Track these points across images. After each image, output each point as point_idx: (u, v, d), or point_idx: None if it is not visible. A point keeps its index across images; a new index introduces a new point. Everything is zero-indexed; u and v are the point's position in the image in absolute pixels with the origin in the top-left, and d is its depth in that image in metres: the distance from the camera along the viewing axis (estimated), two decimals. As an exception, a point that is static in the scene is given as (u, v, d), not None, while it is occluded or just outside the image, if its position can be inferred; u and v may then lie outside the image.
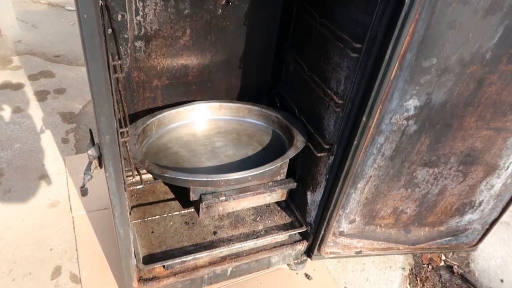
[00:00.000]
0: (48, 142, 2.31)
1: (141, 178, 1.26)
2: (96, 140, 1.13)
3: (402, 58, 1.11)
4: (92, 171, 1.09)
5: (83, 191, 1.04)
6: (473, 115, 1.29)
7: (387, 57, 1.10)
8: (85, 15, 0.79)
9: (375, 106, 1.20)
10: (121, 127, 1.07)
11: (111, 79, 0.92)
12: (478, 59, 1.15)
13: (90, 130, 1.17)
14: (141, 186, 1.20)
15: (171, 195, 1.83)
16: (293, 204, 1.80)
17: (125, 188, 1.17)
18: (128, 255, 1.35)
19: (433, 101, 1.23)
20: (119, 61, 0.94)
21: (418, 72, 1.15)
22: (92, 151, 1.09)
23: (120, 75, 0.94)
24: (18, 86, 2.71)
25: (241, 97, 1.83)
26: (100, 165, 1.11)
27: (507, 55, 1.15)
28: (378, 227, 1.66)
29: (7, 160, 2.15)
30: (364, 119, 1.24)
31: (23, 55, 3.05)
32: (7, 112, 2.47)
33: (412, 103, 1.23)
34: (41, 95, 2.66)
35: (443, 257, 2.02)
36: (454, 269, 1.97)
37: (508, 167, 1.51)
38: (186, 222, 1.70)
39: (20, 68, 2.89)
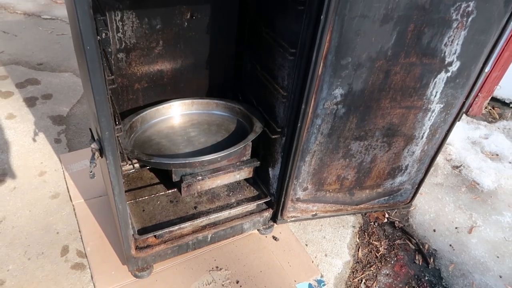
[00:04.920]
0: (43, 143, 2.60)
1: (133, 164, 1.60)
2: (95, 136, 1.47)
3: (325, 58, 1.48)
4: (96, 160, 1.43)
5: (91, 175, 1.37)
6: (386, 98, 1.68)
7: (313, 58, 1.46)
8: (88, 47, 1.12)
9: (309, 96, 1.57)
10: (115, 125, 1.40)
11: (108, 90, 1.25)
12: (383, 55, 1.53)
13: (90, 129, 1.51)
14: (133, 171, 1.52)
15: (157, 180, 2.16)
16: (259, 180, 2.17)
17: (121, 172, 1.51)
18: (126, 227, 1.69)
19: (354, 89, 1.61)
20: (112, 76, 1.27)
21: (339, 69, 1.52)
22: (94, 145, 1.42)
23: (113, 86, 1.27)
24: (8, 95, 2.98)
25: (209, 93, 2.18)
26: (101, 155, 1.45)
27: (404, 52, 1.54)
28: (327, 192, 2.05)
29: (8, 161, 2.44)
30: (303, 106, 1.61)
31: (8, 65, 3.29)
32: (1, 119, 2.74)
33: (338, 92, 1.60)
34: (30, 101, 2.93)
35: (387, 215, 2.44)
36: (395, 224, 2.39)
37: (423, 136, 1.91)
38: (171, 201, 2.05)
39: (7, 78, 3.14)
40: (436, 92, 1.72)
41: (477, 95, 3.29)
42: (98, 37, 1.16)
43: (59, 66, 3.35)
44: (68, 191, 2.29)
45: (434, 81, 1.67)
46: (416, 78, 1.64)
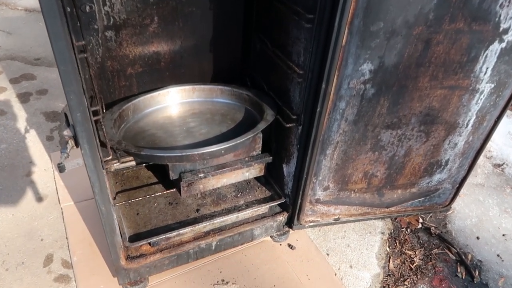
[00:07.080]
0: (34, 141, 2.37)
1: (118, 158, 1.33)
2: (71, 122, 1.20)
3: (351, 24, 1.19)
4: (68, 150, 1.16)
5: (60, 168, 1.11)
6: (425, 75, 1.38)
7: (336, 24, 1.18)
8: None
9: (331, 72, 1.29)
10: (93, 106, 1.14)
11: (77, 59, 0.99)
12: (422, 20, 1.23)
13: (65, 113, 1.24)
14: (119, 166, 1.27)
15: (155, 179, 1.90)
16: (271, 178, 1.89)
17: (102, 166, 1.24)
18: (112, 232, 1.42)
19: (386, 64, 1.31)
20: (83, 42, 1.00)
21: (368, 37, 1.23)
22: (67, 131, 1.16)
23: (86, 55, 1.01)
24: (0, 90, 2.77)
25: (214, 80, 1.90)
26: (76, 144, 1.18)
27: (449, 15, 1.24)
28: (352, 192, 1.74)
29: (-6, 161, 2.22)
30: (323, 86, 1.32)
31: (3, 60, 3.10)
32: (-9, 116, 2.53)
33: (366, 67, 1.31)
34: (24, 97, 2.71)
35: (421, 220, 2.11)
36: (431, 230, 2.07)
37: (467, 124, 1.60)
38: (170, 203, 1.78)
39: (1, 73, 2.95)
40: (487, 68, 1.41)
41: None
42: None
43: (58, 61, 3.13)
44: (57, 193, 2.04)
45: (485, 54, 1.36)
46: (463, 49, 1.34)
